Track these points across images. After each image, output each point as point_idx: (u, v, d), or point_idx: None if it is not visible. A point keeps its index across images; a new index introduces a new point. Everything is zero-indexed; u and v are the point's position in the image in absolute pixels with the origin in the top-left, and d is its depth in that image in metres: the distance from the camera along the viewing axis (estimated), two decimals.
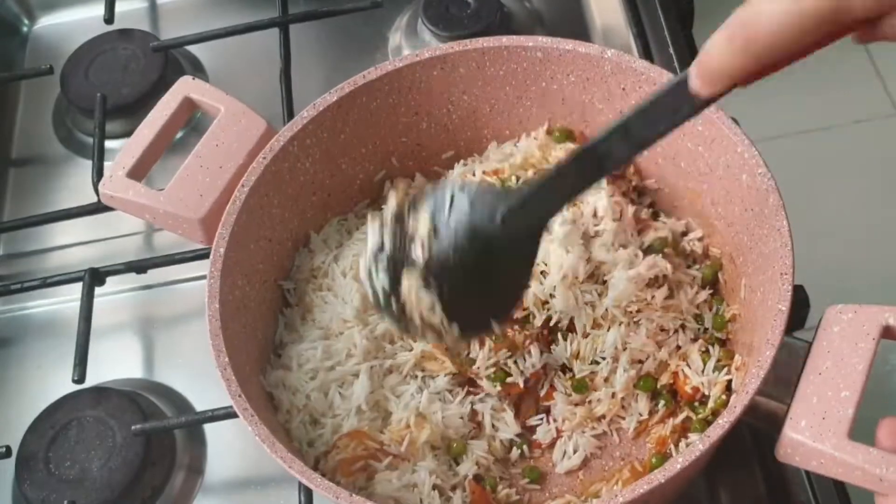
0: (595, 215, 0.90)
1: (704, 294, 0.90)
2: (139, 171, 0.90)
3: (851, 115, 2.42)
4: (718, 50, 0.58)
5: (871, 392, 0.72)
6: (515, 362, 0.87)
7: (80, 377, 0.96)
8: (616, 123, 0.65)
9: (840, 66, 2.51)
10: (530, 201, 0.69)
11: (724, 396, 0.85)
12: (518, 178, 0.93)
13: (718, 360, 0.86)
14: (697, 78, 0.60)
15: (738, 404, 0.71)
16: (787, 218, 0.78)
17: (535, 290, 0.86)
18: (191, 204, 0.87)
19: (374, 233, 0.71)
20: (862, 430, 0.70)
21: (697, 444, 0.70)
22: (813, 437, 0.69)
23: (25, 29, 1.37)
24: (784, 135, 2.35)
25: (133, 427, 0.94)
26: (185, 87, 0.93)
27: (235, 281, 0.84)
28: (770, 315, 0.74)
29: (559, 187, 0.69)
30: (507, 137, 0.99)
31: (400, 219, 0.71)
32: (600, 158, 0.67)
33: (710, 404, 0.85)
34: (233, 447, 0.98)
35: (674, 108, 0.63)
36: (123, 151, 0.90)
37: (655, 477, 0.69)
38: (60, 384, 1.00)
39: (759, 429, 0.86)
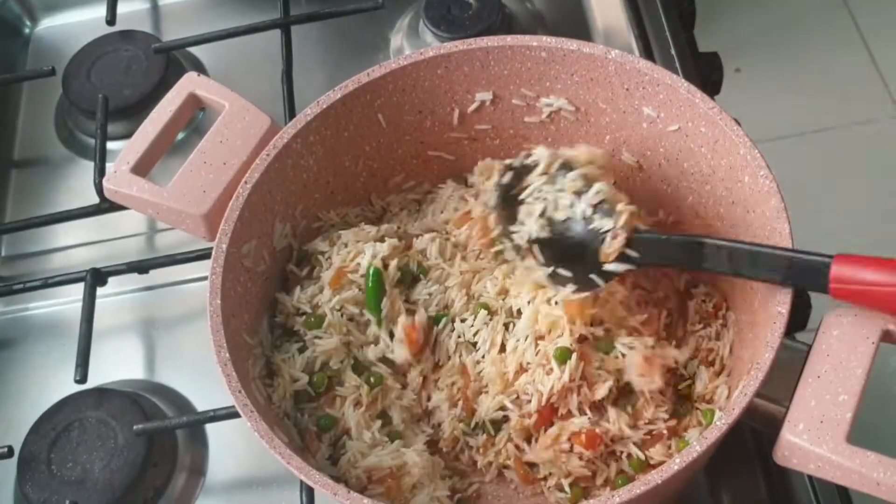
0: None
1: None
2: (143, 167, 0.90)
3: (853, 116, 2.42)
4: None
5: (871, 395, 0.72)
6: None
7: (81, 378, 0.96)
8: (726, 246, 0.78)
9: (842, 67, 2.52)
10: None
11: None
12: None
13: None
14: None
15: (736, 406, 0.71)
16: (788, 220, 0.78)
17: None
18: (194, 200, 0.87)
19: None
20: (861, 434, 0.70)
21: (695, 446, 0.70)
22: (811, 440, 0.69)
23: (27, 30, 1.38)
24: (786, 136, 2.36)
25: (135, 427, 0.94)
26: (190, 83, 0.93)
27: (237, 277, 0.85)
28: (770, 318, 0.74)
29: (652, 253, 0.81)
30: (511, 136, 0.99)
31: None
32: (701, 258, 0.79)
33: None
34: (234, 448, 0.99)
35: (802, 275, 0.74)
36: (128, 147, 0.90)
37: (652, 478, 0.69)
38: (62, 385, 1.00)
39: (760, 431, 0.86)
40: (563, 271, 0.85)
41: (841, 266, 0.71)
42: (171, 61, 1.24)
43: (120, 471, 0.94)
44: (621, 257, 0.82)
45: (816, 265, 0.73)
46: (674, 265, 0.82)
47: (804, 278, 0.74)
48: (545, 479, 0.88)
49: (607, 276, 0.83)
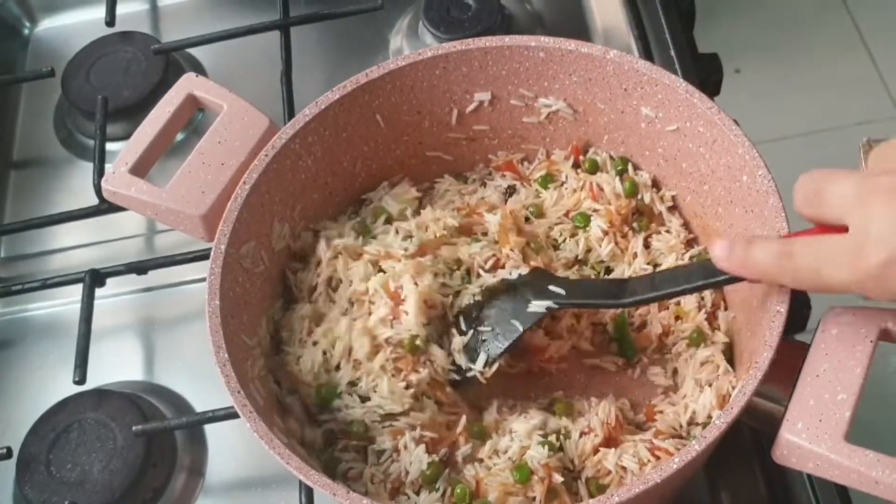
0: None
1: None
2: (142, 168, 0.90)
3: (853, 117, 2.42)
4: (763, 256, 0.72)
5: (870, 394, 0.72)
6: None
7: (80, 379, 0.96)
8: (654, 273, 0.87)
9: (842, 67, 2.52)
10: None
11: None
12: None
13: None
14: (727, 261, 0.74)
15: (735, 405, 0.71)
16: (787, 220, 0.78)
17: None
18: (193, 200, 0.87)
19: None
20: (860, 433, 0.70)
21: (694, 445, 0.70)
22: (809, 439, 0.69)
23: (27, 31, 1.38)
24: (786, 137, 2.36)
25: (134, 428, 0.94)
26: (188, 83, 0.93)
27: (236, 277, 0.85)
28: (768, 317, 0.74)
29: (577, 292, 0.85)
30: (509, 137, 0.99)
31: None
32: (624, 291, 0.82)
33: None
34: (233, 449, 0.99)
35: (692, 274, 0.79)
36: (126, 148, 0.90)
37: (651, 476, 0.69)
38: (61, 386, 1.00)
39: (759, 430, 0.86)
40: (482, 329, 0.87)
41: None
42: (171, 62, 1.24)
43: (119, 472, 0.94)
44: (546, 294, 0.84)
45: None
46: (598, 303, 0.84)
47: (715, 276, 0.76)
48: None
49: (529, 318, 0.85)
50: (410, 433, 0.83)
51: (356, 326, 0.87)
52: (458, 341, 0.87)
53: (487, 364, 0.86)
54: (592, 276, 0.93)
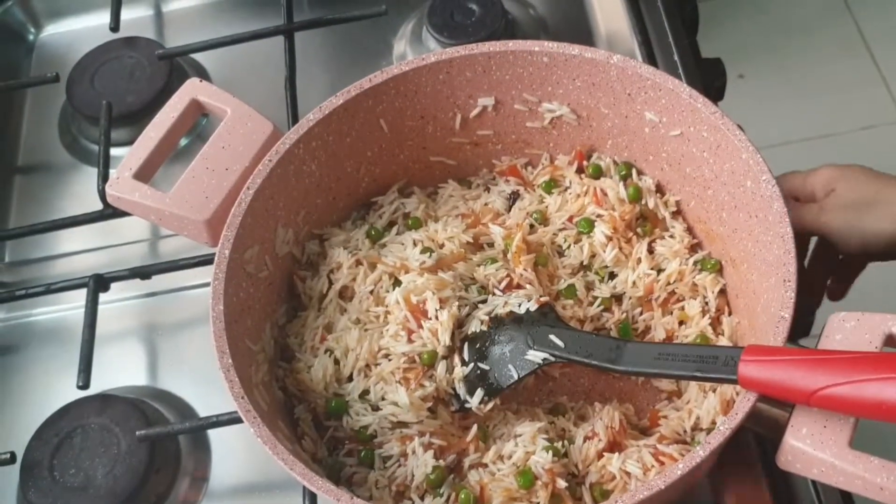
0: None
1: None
2: (146, 173, 0.90)
3: (856, 121, 2.42)
4: None
5: None
6: None
7: (84, 383, 0.96)
8: (658, 345, 0.86)
9: (845, 72, 2.51)
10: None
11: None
12: None
13: None
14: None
15: (739, 411, 0.71)
16: (790, 224, 0.78)
17: None
18: (196, 205, 0.87)
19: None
20: (864, 439, 0.70)
21: (698, 451, 0.70)
22: (814, 445, 0.69)
23: (31, 37, 1.38)
24: (789, 142, 2.35)
25: (138, 433, 0.94)
26: (192, 88, 0.93)
27: (240, 283, 0.85)
28: (773, 322, 0.74)
29: (575, 347, 0.84)
30: (513, 142, 0.99)
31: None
32: (622, 356, 0.81)
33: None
34: (237, 453, 0.99)
35: (704, 364, 0.75)
36: (130, 153, 0.90)
37: (655, 483, 0.69)
38: (65, 391, 1.00)
39: (764, 436, 0.86)
40: (482, 365, 0.87)
41: (747, 364, 0.71)
42: (175, 68, 1.25)
43: (123, 477, 0.94)
44: (546, 344, 0.85)
45: (725, 361, 0.73)
46: (594, 363, 0.83)
47: (714, 371, 0.74)
48: None
49: (526, 366, 0.85)
50: (420, 439, 0.83)
51: (370, 338, 0.88)
52: (459, 371, 0.87)
53: (483, 402, 0.86)
54: (597, 281, 0.94)
